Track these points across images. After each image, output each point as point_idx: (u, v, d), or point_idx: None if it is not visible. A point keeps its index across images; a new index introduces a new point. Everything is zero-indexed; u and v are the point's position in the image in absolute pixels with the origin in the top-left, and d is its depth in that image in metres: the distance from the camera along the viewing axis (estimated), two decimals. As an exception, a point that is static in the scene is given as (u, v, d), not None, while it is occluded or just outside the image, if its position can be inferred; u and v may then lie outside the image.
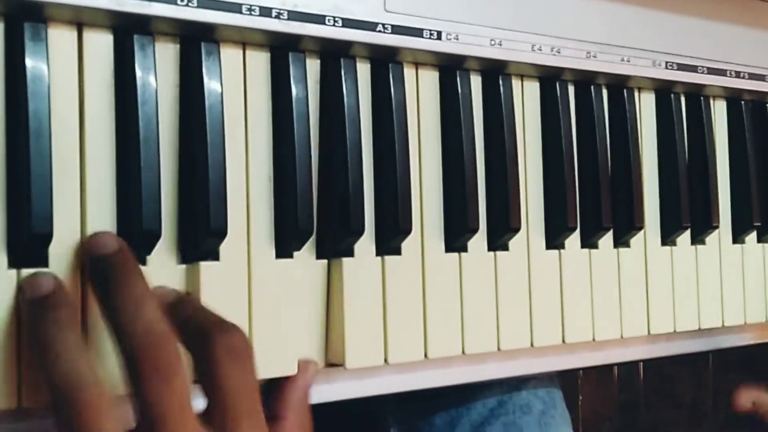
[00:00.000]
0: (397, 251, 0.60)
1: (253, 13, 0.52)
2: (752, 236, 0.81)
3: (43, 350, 0.43)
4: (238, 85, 0.55)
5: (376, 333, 0.59)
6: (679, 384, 1.88)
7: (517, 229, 0.64)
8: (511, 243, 0.65)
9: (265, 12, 0.53)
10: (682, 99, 0.76)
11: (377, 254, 0.59)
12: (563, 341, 0.68)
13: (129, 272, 0.46)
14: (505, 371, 0.67)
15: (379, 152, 0.60)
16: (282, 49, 0.55)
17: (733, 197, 0.80)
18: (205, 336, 0.46)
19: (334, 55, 0.58)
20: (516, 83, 0.66)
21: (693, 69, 0.73)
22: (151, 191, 0.49)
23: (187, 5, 0.50)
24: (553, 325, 0.67)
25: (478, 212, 0.62)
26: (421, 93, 0.62)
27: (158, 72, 0.51)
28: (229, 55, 0.54)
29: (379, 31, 0.57)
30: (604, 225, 0.69)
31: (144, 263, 0.51)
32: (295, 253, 0.56)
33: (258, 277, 0.54)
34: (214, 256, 0.53)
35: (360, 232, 0.57)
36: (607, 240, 0.71)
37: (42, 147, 0.46)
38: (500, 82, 0.64)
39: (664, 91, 0.74)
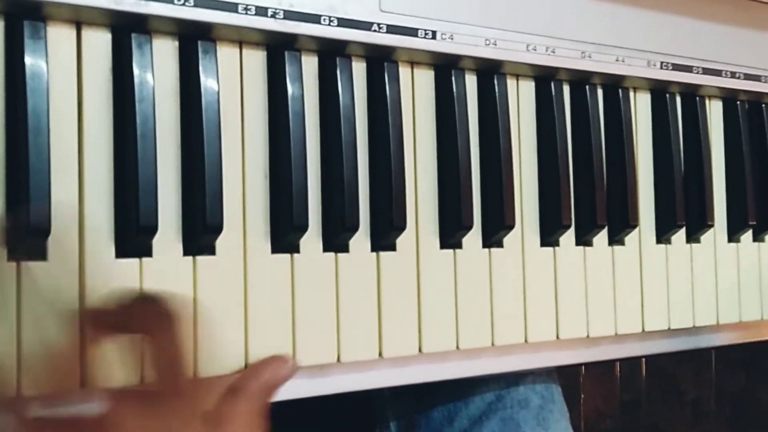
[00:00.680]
0: (392, 247, 0.61)
1: (249, 12, 0.53)
2: (747, 235, 0.81)
3: None
4: (234, 83, 0.56)
5: (370, 327, 0.60)
6: (681, 382, 1.88)
7: (511, 227, 0.65)
8: (506, 240, 0.66)
9: (261, 12, 0.54)
10: (678, 99, 0.76)
11: (372, 250, 0.60)
12: (557, 337, 0.68)
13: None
14: (500, 366, 0.68)
15: (374, 149, 0.60)
16: (278, 48, 0.56)
17: (729, 196, 0.81)
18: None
19: (330, 54, 0.58)
20: (511, 82, 0.67)
21: (688, 69, 0.74)
22: (148, 187, 0.50)
23: (183, 5, 0.51)
24: (547, 321, 0.68)
25: (472, 210, 0.63)
26: (417, 92, 0.63)
27: (157, 70, 0.52)
28: (226, 53, 0.55)
29: (375, 31, 0.58)
30: (599, 223, 0.70)
31: (149, 255, 0.52)
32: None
33: (253, 271, 0.55)
34: (211, 250, 0.54)
35: (354, 228, 0.58)
36: (602, 238, 0.71)
37: (41, 143, 0.47)
38: (495, 81, 0.65)
39: (659, 91, 0.75)
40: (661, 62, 0.72)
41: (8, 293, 0.47)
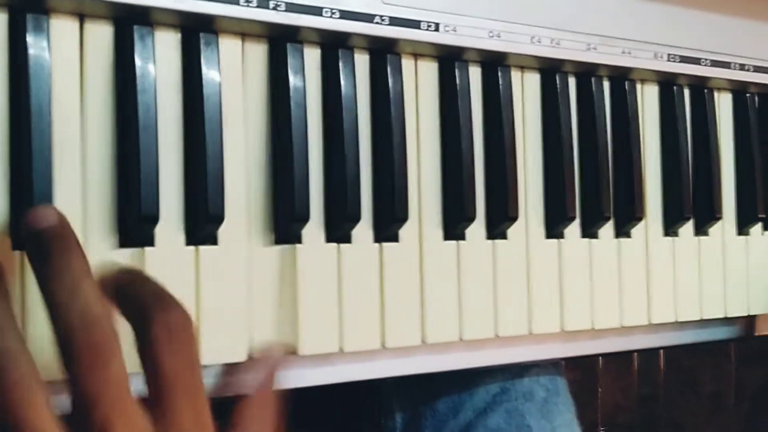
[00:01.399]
0: (395, 238, 0.61)
1: (250, 5, 0.54)
2: (757, 228, 0.81)
3: None
4: (236, 75, 0.56)
5: (373, 318, 0.60)
6: (700, 376, 1.87)
7: (514, 218, 0.65)
8: (510, 232, 0.67)
9: (263, 4, 0.54)
10: (686, 91, 0.76)
11: (375, 241, 0.61)
12: (562, 329, 0.69)
13: (66, 249, 0.43)
14: (504, 358, 0.68)
15: (377, 141, 0.61)
16: (280, 40, 0.57)
17: (738, 189, 0.80)
18: (143, 315, 0.44)
19: (333, 46, 0.59)
20: (516, 74, 0.67)
21: (696, 61, 0.74)
22: (149, 177, 0.51)
23: (185, -4, 0.52)
24: (552, 313, 0.68)
25: (475, 201, 0.64)
26: (421, 83, 0.63)
27: (159, 62, 0.53)
28: (228, 45, 0.56)
29: (377, 23, 0.59)
30: (604, 215, 0.70)
31: (151, 244, 0.53)
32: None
33: (256, 261, 0.56)
34: (213, 240, 0.55)
35: (356, 218, 0.59)
36: (607, 230, 0.72)
37: (43, 134, 0.48)
38: (499, 73, 0.65)
39: (667, 83, 0.75)
40: (669, 54, 0.72)
41: (14, 283, 0.48)
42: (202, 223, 0.53)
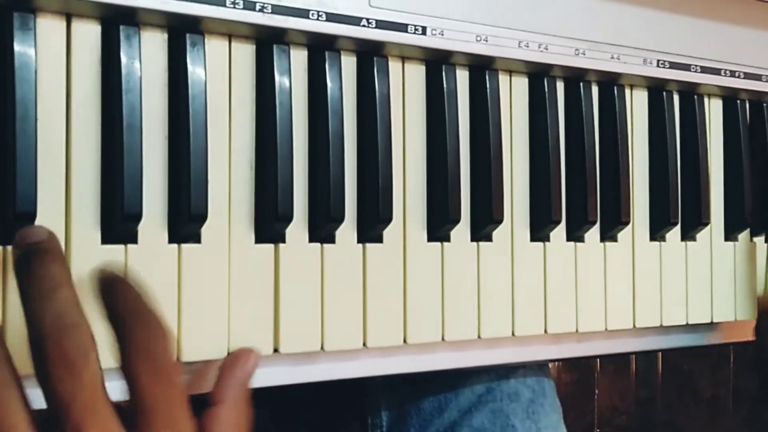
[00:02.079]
0: (379, 239, 0.62)
1: (237, 6, 0.55)
2: (745, 234, 0.81)
3: None
4: (223, 75, 0.57)
5: (355, 317, 0.61)
6: (698, 380, 1.87)
7: (499, 221, 0.66)
8: (495, 234, 0.67)
9: (249, 6, 0.55)
10: (675, 97, 0.76)
11: (359, 242, 0.61)
12: (546, 331, 0.69)
13: (47, 259, 0.45)
14: (488, 359, 0.69)
15: (362, 142, 0.61)
16: (267, 42, 0.58)
17: (727, 195, 0.81)
18: (122, 328, 0.45)
19: (320, 48, 0.59)
20: (504, 78, 0.68)
21: (686, 67, 0.74)
22: (133, 175, 0.52)
23: (171, -3, 0.52)
24: (535, 316, 0.69)
25: (460, 203, 0.64)
26: (407, 86, 0.64)
27: (145, 62, 0.53)
28: (215, 46, 0.56)
29: (363, 26, 0.59)
30: (590, 219, 0.70)
31: (134, 242, 0.53)
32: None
33: (237, 261, 0.56)
34: (196, 238, 0.55)
35: (340, 219, 0.59)
36: (593, 234, 0.72)
37: (28, 131, 0.49)
38: (487, 77, 0.66)
39: (656, 88, 0.75)
40: (658, 60, 0.73)
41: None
42: (185, 221, 0.54)
